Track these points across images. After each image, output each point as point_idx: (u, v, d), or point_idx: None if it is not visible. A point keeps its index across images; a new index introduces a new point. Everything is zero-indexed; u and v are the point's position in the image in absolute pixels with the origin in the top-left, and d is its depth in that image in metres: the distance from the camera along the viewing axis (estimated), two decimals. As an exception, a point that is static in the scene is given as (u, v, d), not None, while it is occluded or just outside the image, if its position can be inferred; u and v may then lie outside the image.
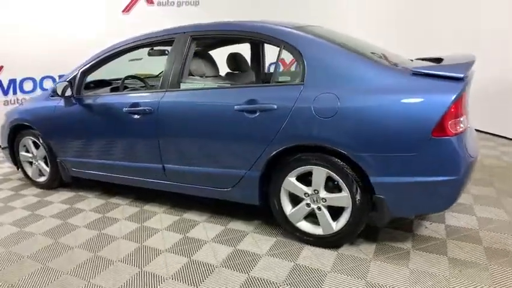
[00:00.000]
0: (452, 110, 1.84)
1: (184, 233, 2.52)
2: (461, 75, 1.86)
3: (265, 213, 2.52)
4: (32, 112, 3.30)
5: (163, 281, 2.01)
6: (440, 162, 1.89)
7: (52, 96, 3.19)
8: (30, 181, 3.55)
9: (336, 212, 2.19)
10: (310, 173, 2.18)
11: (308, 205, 2.23)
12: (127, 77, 3.30)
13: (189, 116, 2.47)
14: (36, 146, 3.36)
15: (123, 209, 2.98)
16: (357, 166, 2.02)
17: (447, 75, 1.89)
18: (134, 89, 3.14)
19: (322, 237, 2.24)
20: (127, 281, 2.02)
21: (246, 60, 3.19)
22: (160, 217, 2.79)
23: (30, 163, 3.51)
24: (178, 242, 2.40)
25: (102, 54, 2.94)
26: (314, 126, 2.06)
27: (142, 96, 2.70)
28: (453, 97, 1.83)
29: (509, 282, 1.88)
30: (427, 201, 2.00)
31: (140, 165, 2.79)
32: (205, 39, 2.84)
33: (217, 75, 2.86)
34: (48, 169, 3.38)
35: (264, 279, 1.99)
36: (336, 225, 2.18)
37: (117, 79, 3.76)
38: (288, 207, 2.31)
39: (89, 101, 2.93)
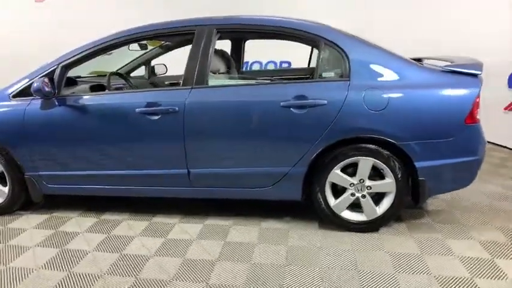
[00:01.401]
0: (477, 100, 2.21)
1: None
2: (479, 72, 2.25)
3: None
4: None
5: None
6: (469, 145, 2.25)
7: (14, 97, 2.57)
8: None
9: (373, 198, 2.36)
10: (350, 164, 2.31)
11: (353, 194, 2.35)
12: (112, 74, 2.87)
13: (225, 114, 2.32)
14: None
15: (129, 224, 2.61)
16: (402, 153, 2.24)
17: (469, 72, 2.25)
18: (130, 88, 2.76)
19: (366, 222, 2.40)
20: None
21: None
22: (180, 227, 2.54)
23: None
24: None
25: (95, 45, 2.50)
26: (366, 119, 2.19)
27: (160, 95, 2.41)
28: (478, 90, 2.20)
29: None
30: (457, 179, 2.35)
31: (155, 173, 2.48)
32: (232, 33, 2.68)
33: (241, 71, 2.73)
34: (5, 189, 2.69)
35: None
36: (379, 210, 2.36)
37: (78, 77, 3.23)
38: (331, 199, 2.39)
39: (80, 102, 2.46)
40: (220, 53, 2.76)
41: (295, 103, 2.23)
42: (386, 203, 2.35)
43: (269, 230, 2.49)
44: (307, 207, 2.57)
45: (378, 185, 2.33)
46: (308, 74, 3.41)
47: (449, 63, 2.30)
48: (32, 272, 2.07)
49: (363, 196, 2.35)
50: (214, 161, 2.40)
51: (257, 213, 2.69)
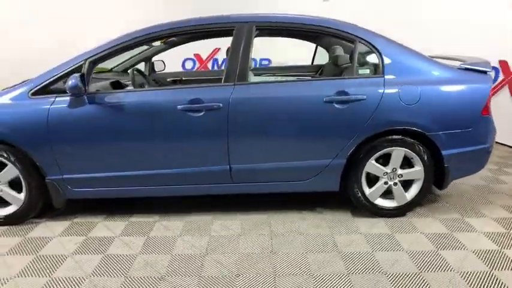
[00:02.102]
0: (490, 94, 2.51)
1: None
2: (490, 70, 2.56)
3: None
4: (6, 120, 2.35)
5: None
6: (483, 134, 2.55)
7: (34, 94, 2.36)
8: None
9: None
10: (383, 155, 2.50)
11: (385, 183, 2.54)
12: (135, 70, 2.75)
13: (269, 110, 2.36)
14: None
15: (164, 225, 2.54)
16: (430, 143, 2.47)
17: (481, 69, 2.55)
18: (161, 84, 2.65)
19: (397, 208, 2.60)
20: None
21: None
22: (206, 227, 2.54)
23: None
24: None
25: (126, 40, 2.39)
26: (402, 112, 2.39)
27: (203, 91, 2.37)
28: (491, 85, 2.51)
29: None
30: (473, 165, 2.65)
31: (195, 170, 2.45)
32: (270, 31, 2.70)
33: (280, 67, 2.78)
34: (21, 195, 2.47)
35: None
36: (408, 196, 2.58)
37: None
38: (366, 189, 2.56)
39: (113, 99, 2.34)
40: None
41: (337, 98, 2.36)
42: (414, 190, 2.58)
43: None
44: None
45: (408, 173, 2.54)
46: (314, 71, 3.56)
47: (462, 62, 2.58)
48: (84, 280, 1.95)
49: (395, 184, 2.55)
50: (257, 156, 2.44)
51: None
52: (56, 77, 2.36)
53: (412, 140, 2.45)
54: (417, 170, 2.52)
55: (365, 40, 2.46)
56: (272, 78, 2.53)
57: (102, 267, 2.07)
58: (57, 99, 2.34)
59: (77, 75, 2.20)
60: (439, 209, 2.77)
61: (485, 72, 2.54)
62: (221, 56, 6.71)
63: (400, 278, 1.97)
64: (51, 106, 2.33)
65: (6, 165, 2.41)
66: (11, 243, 2.32)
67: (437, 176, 2.59)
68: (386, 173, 2.52)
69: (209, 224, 2.55)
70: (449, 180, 2.60)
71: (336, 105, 2.36)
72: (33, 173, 2.42)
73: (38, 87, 2.37)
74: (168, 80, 3.68)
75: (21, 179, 2.43)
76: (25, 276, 1.99)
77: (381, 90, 2.38)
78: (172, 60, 6.66)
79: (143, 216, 2.67)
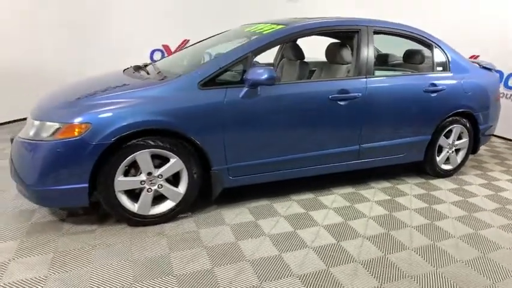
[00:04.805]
0: (499, 85, 3.66)
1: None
2: (495, 68, 3.71)
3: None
4: (175, 110, 2.26)
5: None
6: (494, 114, 3.69)
7: (204, 86, 2.35)
8: (130, 218, 2.34)
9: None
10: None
11: (447, 152, 3.44)
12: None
13: (391, 97, 2.95)
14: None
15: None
16: (473, 120, 3.45)
17: (491, 67, 3.67)
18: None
19: (451, 170, 3.53)
20: None
21: None
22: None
23: (130, 192, 2.31)
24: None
25: (283, 34, 2.59)
26: (464, 98, 3.30)
27: (347, 83, 2.77)
28: (499, 79, 3.66)
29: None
30: (487, 138, 3.76)
31: (332, 151, 2.84)
32: (380, 34, 3.15)
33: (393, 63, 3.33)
34: (180, 189, 2.41)
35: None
36: (458, 160, 3.53)
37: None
38: (437, 157, 3.40)
39: (281, 90, 2.54)
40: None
41: (431, 89, 3.11)
42: (461, 155, 3.55)
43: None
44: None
45: (460, 143, 3.48)
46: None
47: (479, 63, 3.66)
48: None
49: (452, 152, 3.47)
50: (378, 136, 2.99)
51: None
52: (223, 68, 2.40)
53: (464, 119, 3.40)
54: (465, 141, 3.49)
55: (437, 44, 3.27)
56: (390, 73, 3.11)
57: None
58: (228, 90, 2.39)
59: (270, 67, 2.34)
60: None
61: (490, 70, 3.68)
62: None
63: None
64: (226, 98, 2.37)
65: (166, 159, 2.33)
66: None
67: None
68: (449, 143, 3.41)
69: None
70: (480, 146, 3.67)
71: (431, 94, 3.11)
72: (198, 165, 2.41)
73: (207, 78, 2.36)
74: None
75: (182, 173, 2.38)
76: None
77: (453, 83, 3.23)
78: (140, 50, 6.41)
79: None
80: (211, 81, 2.38)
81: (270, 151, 2.61)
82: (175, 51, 6.60)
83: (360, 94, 2.79)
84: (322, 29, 2.82)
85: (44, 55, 5.18)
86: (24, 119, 5.06)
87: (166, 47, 6.55)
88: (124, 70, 2.94)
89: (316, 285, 1.91)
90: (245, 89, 2.41)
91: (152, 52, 6.47)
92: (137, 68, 2.90)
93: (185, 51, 3.41)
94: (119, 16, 5.87)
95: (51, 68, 5.22)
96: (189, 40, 6.64)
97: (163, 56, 6.54)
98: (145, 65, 3.09)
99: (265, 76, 2.31)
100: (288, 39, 2.66)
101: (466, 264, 2.17)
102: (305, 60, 3.53)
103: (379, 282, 1.97)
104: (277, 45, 2.71)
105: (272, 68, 2.36)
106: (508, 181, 3.56)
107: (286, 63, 3.64)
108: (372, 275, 2.03)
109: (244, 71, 2.44)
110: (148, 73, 2.70)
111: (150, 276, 1.91)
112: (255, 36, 2.65)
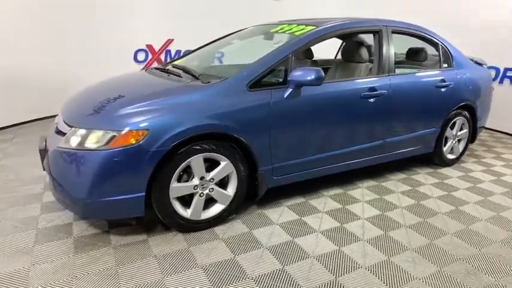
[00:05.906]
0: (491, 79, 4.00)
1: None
2: (487, 64, 4.04)
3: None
4: (229, 113, 2.26)
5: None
6: (488, 106, 4.02)
7: (252, 87, 2.35)
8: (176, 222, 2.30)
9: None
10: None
11: (451, 142, 3.71)
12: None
13: (411, 94, 3.13)
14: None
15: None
16: (472, 111, 3.74)
17: (484, 64, 4.00)
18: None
19: (455, 158, 3.80)
20: None
21: None
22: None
23: (181, 198, 2.26)
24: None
25: (317, 35, 2.66)
26: (467, 92, 3.57)
27: (374, 81, 2.89)
28: (491, 73, 4.00)
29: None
30: (483, 125, 4.09)
31: (361, 147, 2.96)
32: (396, 34, 3.27)
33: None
34: (229, 191, 2.40)
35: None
36: (460, 148, 3.82)
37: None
38: (443, 148, 3.65)
39: (322, 90, 2.59)
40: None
41: (441, 84, 3.33)
42: (462, 145, 3.84)
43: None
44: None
45: (462, 134, 3.76)
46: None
47: (472, 59, 3.96)
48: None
49: (455, 142, 3.74)
50: (399, 130, 3.16)
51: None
52: (269, 69, 2.41)
53: (465, 112, 3.68)
54: (465, 132, 3.78)
55: (442, 43, 3.50)
56: (409, 71, 3.28)
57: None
58: (273, 91, 2.41)
59: (318, 68, 2.39)
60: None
61: (481, 65, 4.01)
62: (173, 47, 6.58)
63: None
64: (272, 99, 2.39)
65: (214, 163, 2.30)
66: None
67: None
68: (454, 134, 3.68)
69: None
70: (477, 136, 3.98)
71: (441, 89, 3.33)
72: (246, 166, 2.41)
73: (254, 80, 2.36)
74: None
75: (232, 175, 2.37)
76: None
77: (457, 78, 3.49)
78: (122, 51, 6.20)
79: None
80: (257, 83, 2.38)
81: (310, 149, 2.67)
82: (159, 51, 6.44)
83: (385, 91, 2.92)
84: (349, 30, 2.92)
85: (26, 55, 4.83)
86: (24, 122, 4.84)
87: (150, 47, 6.35)
88: (148, 72, 2.86)
89: (381, 273, 2.02)
90: (289, 89, 2.45)
91: (136, 52, 6.26)
92: (163, 70, 2.82)
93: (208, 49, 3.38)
94: (102, 16, 5.61)
95: (31, 67, 4.88)
96: (173, 40, 6.50)
97: (146, 57, 6.36)
98: (166, 67, 2.99)
99: (313, 76, 2.36)
100: (320, 40, 2.72)
101: (501, 243, 2.39)
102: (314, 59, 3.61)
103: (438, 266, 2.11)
104: (312, 45, 2.77)
105: (319, 68, 2.41)
106: (502, 166, 3.91)
107: (296, 63, 3.70)
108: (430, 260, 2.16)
109: (285, 72, 2.48)
110: (180, 76, 2.62)
111: (227, 282, 1.90)
112: (292, 38, 2.68)
